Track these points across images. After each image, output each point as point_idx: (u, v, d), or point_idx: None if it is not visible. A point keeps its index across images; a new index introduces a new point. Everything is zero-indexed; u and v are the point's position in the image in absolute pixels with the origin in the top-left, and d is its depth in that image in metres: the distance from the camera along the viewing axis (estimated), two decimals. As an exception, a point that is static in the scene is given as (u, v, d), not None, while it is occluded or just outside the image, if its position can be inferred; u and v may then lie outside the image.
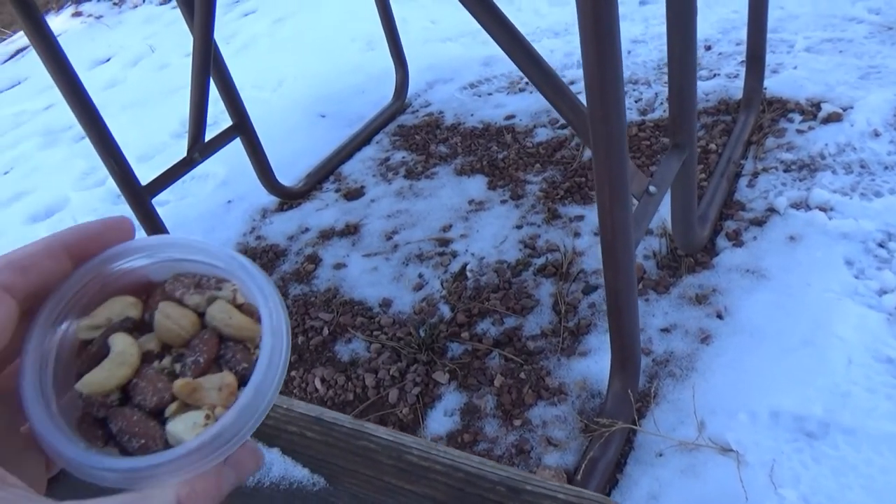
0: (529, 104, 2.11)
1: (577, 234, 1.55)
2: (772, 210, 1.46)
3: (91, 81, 1.48)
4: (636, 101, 1.99)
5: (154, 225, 1.60)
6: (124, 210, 1.80)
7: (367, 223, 1.77)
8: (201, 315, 0.28)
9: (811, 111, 1.72)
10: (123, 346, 0.27)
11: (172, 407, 0.26)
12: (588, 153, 1.81)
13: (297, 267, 1.68)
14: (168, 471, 0.24)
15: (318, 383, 1.36)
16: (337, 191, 1.95)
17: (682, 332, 1.26)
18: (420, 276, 1.55)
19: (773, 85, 1.84)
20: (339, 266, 1.65)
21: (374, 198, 1.87)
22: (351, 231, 1.76)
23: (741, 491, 0.98)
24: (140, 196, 1.55)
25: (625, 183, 0.90)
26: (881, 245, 1.31)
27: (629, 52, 2.24)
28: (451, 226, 1.68)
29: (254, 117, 1.82)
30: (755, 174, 1.58)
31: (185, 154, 1.64)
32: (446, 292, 1.49)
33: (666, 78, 2.04)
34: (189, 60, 1.58)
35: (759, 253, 1.37)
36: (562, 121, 1.97)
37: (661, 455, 1.07)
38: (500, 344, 1.34)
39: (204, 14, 1.48)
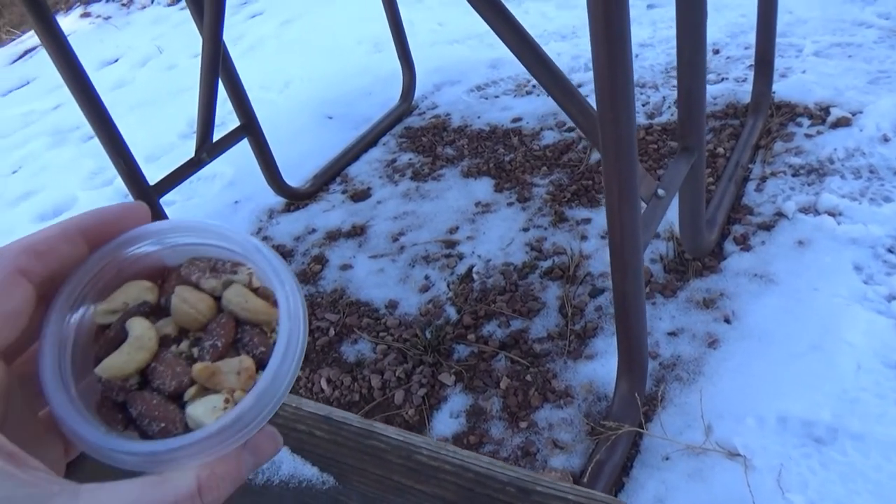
0: (536, 107, 2.11)
1: (583, 237, 1.55)
2: (780, 214, 1.45)
3: (99, 82, 1.49)
4: (643, 105, 1.99)
5: (161, 225, 1.60)
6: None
7: (374, 224, 1.77)
8: (217, 299, 0.28)
9: (820, 115, 1.72)
10: (142, 331, 0.27)
11: (191, 391, 0.26)
12: (595, 156, 1.81)
13: (304, 268, 1.68)
14: (189, 454, 0.24)
15: (324, 384, 1.36)
16: (343, 192, 1.95)
17: (689, 335, 1.25)
18: (426, 277, 1.55)
19: (782, 89, 1.84)
20: (345, 267, 1.65)
21: (380, 199, 1.87)
22: (357, 232, 1.76)
23: (748, 495, 0.98)
24: (148, 196, 1.56)
25: (634, 186, 0.90)
26: (890, 251, 1.30)
27: (637, 56, 2.24)
28: (457, 228, 1.68)
29: (261, 118, 1.83)
30: (763, 178, 1.57)
31: (191, 154, 1.65)
32: (452, 294, 1.49)
33: (674, 81, 2.05)
34: (197, 61, 1.59)
35: (767, 257, 1.36)
36: (569, 124, 1.97)
37: (667, 459, 1.07)
38: (506, 346, 1.34)
39: (213, 15, 1.49)
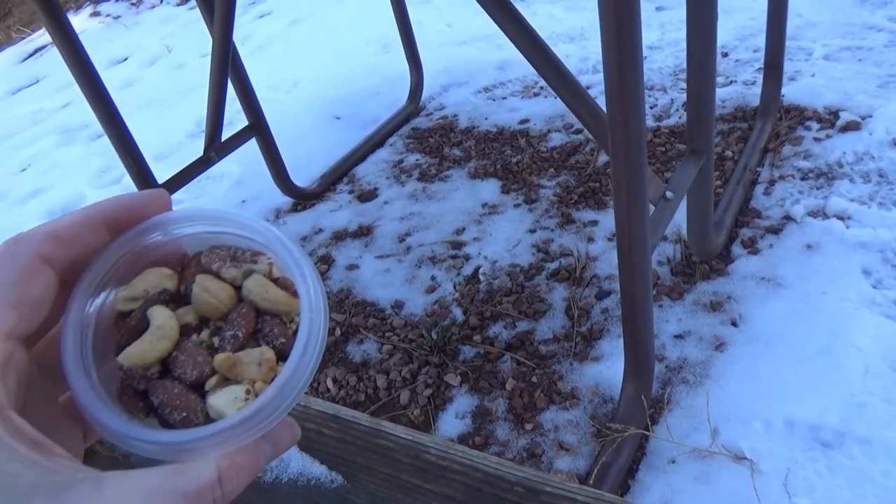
0: (544, 108, 2.11)
1: (590, 239, 1.55)
2: (788, 218, 1.45)
3: (108, 81, 1.49)
4: (651, 108, 1.99)
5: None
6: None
7: (381, 225, 1.77)
8: (237, 288, 0.28)
9: (829, 119, 1.71)
10: (163, 320, 0.27)
11: (212, 380, 0.26)
12: (602, 158, 1.80)
13: (311, 267, 1.68)
14: (211, 444, 0.24)
15: (329, 383, 1.36)
16: (350, 192, 1.96)
17: (696, 338, 1.25)
18: (433, 278, 1.55)
19: (791, 92, 1.83)
20: (351, 267, 1.65)
21: (387, 200, 1.88)
22: (364, 232, 1.76)
23: (755, 499, 0.97)
24: (156, 194, 1.56)
25: (643, 188, 0.90)
26: (899, 255, 1.30)
27: (645, 58, 2.23)
28: (464, 229, 1.68)
29: (269, 118, 1.83)
30: (772, 182, 1.57)
31: (199, 153, 1.65)
32: (459, 295, 1.49)
33: (682, 84, 2.04)
34: (205, 61, 1.59)
35: (774, 261, 1.36)
36: (576, 126, 1.96)
37: (673, 462, 1.07)
38: (512, 347, 1.33)
39: (224, 15, 1.50)
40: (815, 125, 1.71)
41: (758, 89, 1.80)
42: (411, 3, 2.17)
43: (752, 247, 1.41)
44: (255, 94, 1.78)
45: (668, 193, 1.07)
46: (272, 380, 0.26)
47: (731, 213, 1.47)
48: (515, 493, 0.43)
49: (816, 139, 1.66)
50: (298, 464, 0.48)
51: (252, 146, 1.82)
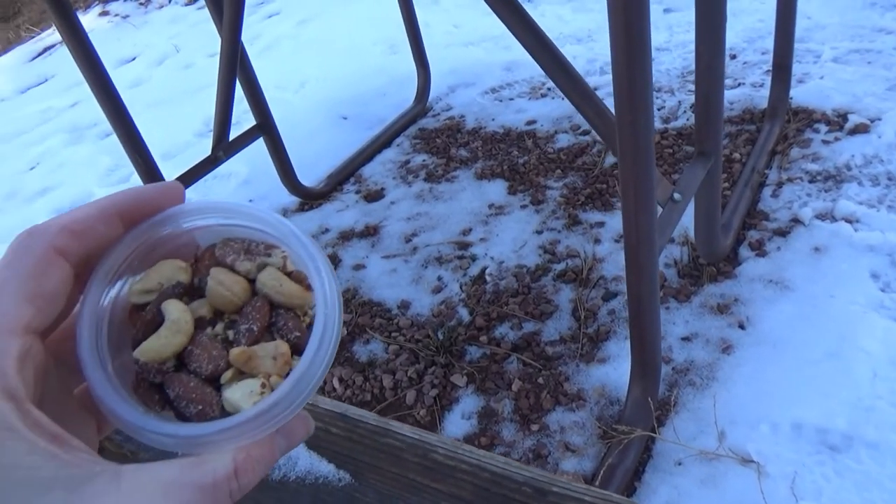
0: (551, 110, 2.10)
1: (597, 241, 1.54)
2: (796, 220, 1.44)
3: (117, 80, 1.50)
4: (659, 109, 1.98)
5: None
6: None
7: (387, 225, 1.78)
8: (251, 281, 0.28)
9: (837, 122, 1.70)
10: (178, 314, 0.27)
11: (227, 374, 0.26)
12: (609, 160, 1.80)
13: (317, 267, 1.69)
14: (227, 437, 0.24)
15: (336, 383, 1.36)
16: (357, 192, 1.96)
17: (702, 341, 1.25)
18: (439, 278, 1.55)
19: (799, 95, 1.83)
20: (358, 267, 1.65)
21: (394, 200, 1.88)
22: (370, 232, 1.76)
23: (762, 502, 0.97)
24: (164, 193, 1.57)
25: (651, 189, 0.90)
26: (908, 258, 1.29)
27: (653, 60, 2.23)
28: (470, 229, 1.68)
29: (276, 118, 1.84)
30: (779, 184, 1.56)
31: (207, 153, 1.66)
32: (465, 295, 1.49)
33: (690, 86, 2.04)
34: (213, 61, 1.60)
35: (782, 263, 1.35)
36: (584, 127, 1.96)
37: (680, 464, 1.06)
38: (518, 348, 1.33)
39: (233, 15, 1.50)
40: (823, 128, 1.70)
41: (766, 91, 1.79)
42: (419, 4, 2.17)
43: (759, 249, 1.40)
44: (263, 93, 1.79)
45: (676, 195, 1.07)
46: (287, 374, 0.26)
47: (738, 215, 1.46)
48: (523, 493, 0.43)
49: (825, 142, 1.65)
50: (306, 462, 0.48)
51: (259, 146, 1.82)
